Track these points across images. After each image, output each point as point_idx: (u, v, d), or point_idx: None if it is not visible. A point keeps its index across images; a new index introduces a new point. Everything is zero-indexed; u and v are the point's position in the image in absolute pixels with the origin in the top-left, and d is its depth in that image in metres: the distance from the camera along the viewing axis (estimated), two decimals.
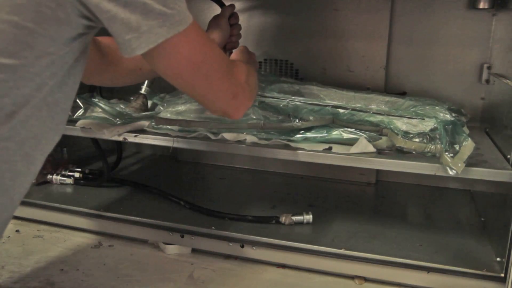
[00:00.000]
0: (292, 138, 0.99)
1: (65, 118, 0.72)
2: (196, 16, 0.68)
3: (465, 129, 1.04)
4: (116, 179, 1.35)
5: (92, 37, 0.71)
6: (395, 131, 0.97)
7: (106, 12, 0.61)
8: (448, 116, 0.99)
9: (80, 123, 1.09)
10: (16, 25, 0.58)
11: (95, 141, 1.25)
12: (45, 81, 0.63)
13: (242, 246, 1.05)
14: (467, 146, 0.89)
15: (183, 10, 0.66)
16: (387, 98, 1.16)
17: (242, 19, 1.44)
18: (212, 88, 0.74)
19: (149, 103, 1.25)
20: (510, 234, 0.87)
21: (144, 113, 1.18)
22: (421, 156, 0.94)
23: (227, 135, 1.02)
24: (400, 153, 0.96)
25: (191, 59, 0.69)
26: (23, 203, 1.21)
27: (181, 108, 1.08)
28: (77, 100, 1.16)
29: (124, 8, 0.61)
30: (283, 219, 1.10)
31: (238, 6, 1.43)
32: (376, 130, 0.98)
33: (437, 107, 1.04)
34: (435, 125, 0.95)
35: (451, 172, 0.87)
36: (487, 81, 1.26)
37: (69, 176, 1.33)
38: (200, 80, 0.71)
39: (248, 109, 1.04)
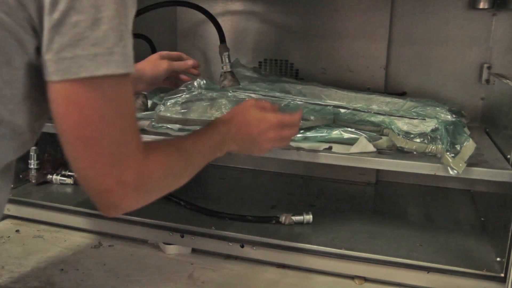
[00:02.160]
0: (292, 138, 0.99)
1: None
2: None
3: (466, 130, 1.04)
4: None
5: None
6: (396, 131, 0.97)
7: (36, 24, 0.54)
8: (449, 117, 1.00)
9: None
10: None
11: None
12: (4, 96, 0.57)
13: (242, 246, 1.05)
14: (468, 146, 0.89)
15: (127, 53, 0.56)
16: (388, 99, 1.16)
17: (243, 20, 1.45)
18: (85, 161, 0.58)
19: (149, 103, 1.25)
20: (510, 234, 0.87)
21: (144, 113, 1.18)
22: (422, 156, 0.94)
23: None
24: (400, 153, 0.96)
25: (83, 111, 0.55)
26: (23, 203, 1.21)
27: (180, 108, 1.08)
28: None
29: (53, 27, 0.53)
30: (283, 219, 1.10)
31: (238, 6, 1.44)
32: (377, 130, 0.98)
33: (438, 108, 1.04)
34: (436, 125, 0.95)
35: (452, 172, 0.87)
36: (487, 81, 1.26)
37: (69, 176, 1.33)
38: (79, 140, 0.57)
39: None
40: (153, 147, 0.65)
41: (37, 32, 0.56)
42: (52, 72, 0.54)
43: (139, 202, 0.64)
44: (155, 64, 1.09)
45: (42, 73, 0.57)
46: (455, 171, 0.86)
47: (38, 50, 0.57)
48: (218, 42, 1.21)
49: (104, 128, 0.57)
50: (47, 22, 0.53)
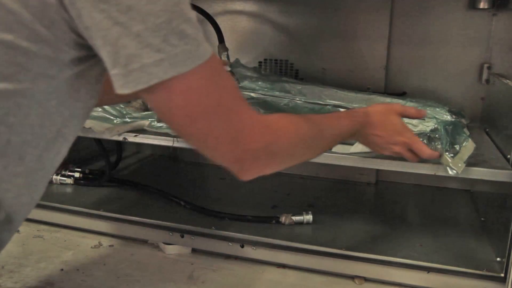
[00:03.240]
0: None
1: (68, 146, 0.65)
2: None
3: (466, 130, 1.04)
4: (116, 179, 1.35)
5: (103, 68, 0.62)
6: None
7: (94, 39, 0.53)
8: (448, 117, 1.00)
9: None
10: (10, 44, 0.52)
11: (98, 140, 1.25)
12: (45, 107, 0.58)
13: (242, 246, 1.05)
14: (468, 146, 0.89)
15: (191, 48, 0.55)
16: (388, 99, 1.16)
17: (243, 19, 1.45)
18: (208, 147, 0.61)
19: None
20: (510, 234, 0.87)
21: (144, 113, 1.18)
22: None
23: None
24: None
25: (186, 111, 0.57)
26: None
27: None
28: None
29: (116, 38, 0.52)
30: (283, 219, 1.10)
31: (238, 6, 1.44)
32: None
33: (437, 109, 1.04)
34: (436, 125, 0.95)
35: (451, 172, 0.87)
36: (487, 81, 1.26)
37: (69, 176, 1.33)
38: (193, 135, 0.60)
39: None
40: (278, 116, 0.68)
41: (80, 44, 0.56)
42: (123, 85, 0.54)
43: (272, 164, 0.67)
44: None
45: (78, 82, 0.59)
46: (454, 171, 0.86)
47: (79, 59, 0.57)
48: (218, 42, 1.20)
49: (213, 111, 0.58)
50: (108, 38, 0.52)
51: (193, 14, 0.56)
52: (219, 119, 0.59)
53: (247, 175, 0.66)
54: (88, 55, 0.58)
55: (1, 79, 0.53)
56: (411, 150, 0.85)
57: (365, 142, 0.86)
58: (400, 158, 0.93)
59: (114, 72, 0.54)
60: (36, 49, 0.54)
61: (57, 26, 0.54)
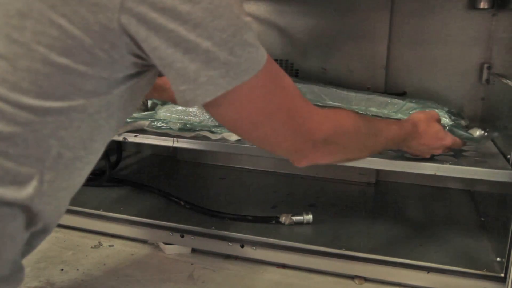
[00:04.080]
0: None
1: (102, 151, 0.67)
2: None
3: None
4: (116, 179, 1.35)
5: (152, 79, 0.65)
6: None
7: (162, 59, 0.54)
8: (447, 120, 1.00)
9: None
10: (66, 68, 0.53)
11: None
12: (95, 119, 0.58)
13: (242, 246, 1.05)
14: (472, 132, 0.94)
15: (252, 56, 0.56)
16: (388, 99, 1.16)
17: None
18: (272, 144, 0.65)
19: (149, 102, 1.25)
20: (510, 234, 0.87)
21: (144, 113, 1.18)
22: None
23: (227, 135, 1.02)
24: (401, 153, 0.96)
25: (250, 119, 0.60)
26: None
27: (180, 107, 1.08)
28: None
29: (184, 55, 0.53)
30: (283, 219, 1.10)
31: None
32: None
33: (437, 110, 1.04)
34: None
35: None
36: (487, 81, 1.26)
37: None
38: (258, 138, 0.64)
39: None
40: (338, 110, 0.72)
41: (136, 64, 0.57)
42: (191, 100, 0.55)
43: (329, 155, 0.69)
44: None
45: (127, 95, 0.60)
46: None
47: (127, 78, 0.58)
48: None
49: (273, 120, 0.61)
50: (177, 55, 0.53)
51: (250, 19, 0.57)
52: (281, 120, 0.62)
53: (303, 163, 0.68)
54: (139, 72, 0.59)
55: (55, 98, 0.54)
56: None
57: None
58: (400, 158, 0.93)
59: (182, 88, 0.55)
60: (91, 72, 0.54)
61: (117, 50, 0.54)
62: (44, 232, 0.63)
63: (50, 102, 0.54)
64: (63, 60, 0.53)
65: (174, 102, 1.09)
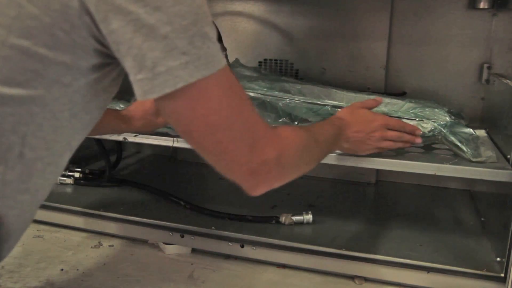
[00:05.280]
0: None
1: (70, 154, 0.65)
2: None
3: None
4: (116, 179, 1.35)
5: (116, 80, 0.62)
6: None
7: (119, 43, 0.52)
8: (447, 118, 1.00)
9: None
10: (25, 51, 0.51)
11: (98, 140, 1.25)
12: (58, 118, 0.56)
13: (242, 246, 1.05)
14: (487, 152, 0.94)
15: (212, 52, 0.54)
16: (387, 100, 1.16)
17: (243, 20, 1.45)
18: (225, 158, 0.60)
19: None
20: (510, 234, 0.87)
21: None
22: (421, 156, 0.95)
23: None
24: (401, 153, 0.96)
25: (207, 120, 0.56)
26: None
27: None
28: None
29: (142, 42, 0.51)
30: (283, 219, 1.10)
31: (238, 6, 1.44)
32: None
33: (436, 110, 1.04)
34: (433, 127, 0.96)
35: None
36: (487, 81, 1.26)
37: (69, 176, 1.33)
38: (212, 145, 0.58)
39: None
40: (282, 127, 0.69)
41: (99, 51, 0.55)
42: (148, 90, 0.53)
43: (281, 177, 0.66)
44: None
45: (96, 85, 0.58)
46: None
47: (95, 67, 0.56)
48: None
49: (230, 125, 0.58)
50: (135, 40, 0.51)
51: (211, 19, 0.56)
52: (238, 129, 0.58)
53: (258, 190, 0.65)
54: (103, 63, 0.57)
55: (14, 85, 0.52)
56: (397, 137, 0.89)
57: (351, 146, 0.88)
58: (400, 158, 0.93)
59: (140, 77, 0.52)
60: (53, 55, 0.53)
61: (77, 32, 0.52)
62: (6, 241, 0.62)
63: (8, 89, 0.52)
64: (22, 42, 0.51)
65: (142, 130, 1.04)
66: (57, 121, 0.57)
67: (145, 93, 0.53)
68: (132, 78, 0.53)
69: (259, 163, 0.61)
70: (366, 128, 0.87)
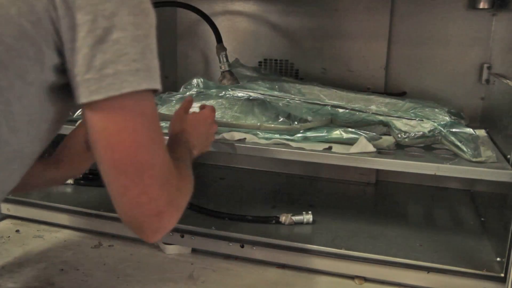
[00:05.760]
0: (292, 138, 0.99)
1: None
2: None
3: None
4: None
5: (67, 108, 0.61)
6: (396, 130, 0.97)
7: (73, 41, 0.53)
8: (447, 118, 1.00)
9: (80, 122, 1.09)
10: None
11: None
12: (15, 121, 0.55)
13: (242, 246, 1.05)
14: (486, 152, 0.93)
15: (157, 68, 0.56)
16: (387, 100, 1.16)
17: (243, 20, 1.45)
18: (138, 186, 0.56)
19: None
20: (510, 234, 0.87)
21: None
22: (421, 156, 0.95)
23: (227, 135, 1.02)
24: (400, 153, 0.96)
25: (134, 136, 0.55)
26: (23, 203, 1.21)
27: (178, 106, 1.08)
28: None
29: (94, 43, 0.52)
30: (283, 219, 1.10)
31: (238, 6, 1.44)
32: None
33: (436, 110, 1.04)
34: (433, 127, 0.96)
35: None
36: (487, 81, 1.26)
37: None
38: (131, 166, 0.55)
39: (247, 109, 1.05)
40: (177, 169, 0.65)
41: (59, 50, 0.55)
42: (94, 91, 0.53)
43: (177, 220, 0.62)
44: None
45: (55, 93, 0.58)
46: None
47: (56, 69, 0.56)
48: (216, 42, 1.21)
49: (154, 149, 0.57)
50: (88, 40, 0.52)
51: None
52: (159, 156, 0.57)
53: (158, 235, 0.60)
54: (63, 64, 0.56)
55: None
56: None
57: (201, 148, 0.89)
58: (400, 158, 0.93)
59: (87, 77, 0.53)
60: (19, 46, 0.53)
61: (43, 24, 0.53)
62: None
63: None
64: None
65: (78, 170, 0.97)
66: (15, 123, 0.56)
67: (91, 93, 0.53)
68: (79, 79, 0.53)
69: (166, 203, 0.58)
70: (204, 129, 0.90)
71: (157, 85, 0.56)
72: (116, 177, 0.56)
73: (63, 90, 0.58)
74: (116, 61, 0.53)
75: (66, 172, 0.92)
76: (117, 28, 0.53)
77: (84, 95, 0.53)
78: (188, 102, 0.96)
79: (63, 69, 0.57)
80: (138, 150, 0.55)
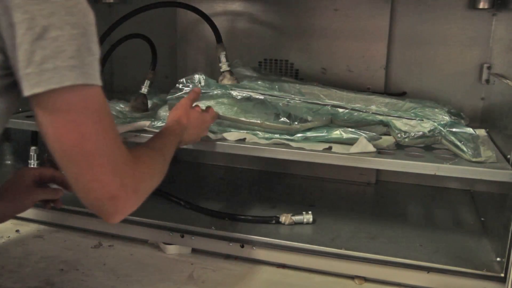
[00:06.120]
0: (292, 138, 0.99)
1: None
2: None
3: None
4: None
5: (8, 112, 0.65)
6: (396, 130, 0.97)
7: (13, 38, 0.56)
8: (447, 118, 1.00)
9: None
10: None
11: None
12: None
13: (242, 246, 1.05)
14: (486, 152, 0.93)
15: (95, 66, 0.60)
16: (387, 100, 1.16)
17: (243, 20, 1.45)
18: (89, 173, 0.61)
19: (149, 103, 1.25)
20: (510, 234, 0.87)
21: (144, 113, 1.18)
22: (421, 156, 0.95)
23: (227, 135, 1.02)
24: (401, 153, 0.96)
25: (81, 128, 0.59)
26: None
27: None
28: None
29: (34, 40, 0.55)
30: (283, 219, 1.10)
31: (238, 6, 1.44)
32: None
33: (436, 110, 1.04)
34: (433, 127, 0.96)
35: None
36: (487, 81, 1.26)
37: None
38: (80, 156, 0.60)
39: (247, 108, 1.05)
40: (137, 151, 0.72)
41: (1, 48, 0.58)
42: (35, 84, 0.56)
43: (137, 203, 0.67)
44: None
45: (4, 88, 0.61)
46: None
47: (1, 65, 0.60)
48: (216, 42, 1.21)
49: (101, 139, 0.61)
50: (27, 37, 0.55)
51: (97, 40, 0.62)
52: (106, 147, 0.61)
53: (116, 217, 0.65)
54: (7, 65, 0.60)
55: None
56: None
57: (183, 144, 0.95)
58: (400, 158, 0.93)
59: (28, 71, 0.56)
60: None
61: None
62: None
63: None
64: None
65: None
66: None
67: (32, 86, 0.56)
68: (21, 73, 0.57)
69: (118, 188, 0.62)
70: (199, 131, 0.97)
71: (95, 81, 0.60)
72: (67, 166, 0.61)
73: (10, 85, 0.62)
74: (55, 57, 0.56)
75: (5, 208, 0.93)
76: (55, 26, 0.56)
77: (26, 89, 0.57)
78: (196, 93, 1.00)
79: (7, 66, 0.60)
80: (85, 141, 0.60)
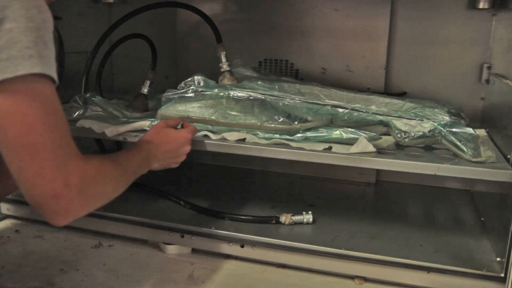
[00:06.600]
0: (292, 138, 0.99)
1: None
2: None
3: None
4: None
5: None
6: (396, 130, 0.97)
7: None
8: (447, 118, 1.00)
9: (80, 123, 1.09)
10: None
11: (98, 140, 1.25)
12: None
13: (242, 246, 1.05)
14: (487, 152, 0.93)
15: (51, 59, 0.60)
16: (387, 100, 1.16)
17: (243, 19, 1.45)
18: (32, 167, 0.60)
19: (149, 103, 1.25)
20: (510, 234, 0.87)
21: (144, 113, 1.18)
22: (421, 156, 0.95)
23: (227, 135, 1.02)
24: (401, 152, 0.96)
25: (28, 118, 0.59)
26: (23, 203, 1.21)
27: (180, 107, 1.08)
28: (77, 100, 1.16)
29: None
30: (283, 219, 1.10)
31: (238, 6, 1.44)
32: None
33: (436, 110, 1.04)
34: (433, 127, 0.96)
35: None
36: (487, 81, 1.26)
37: None
38: (24, 148, 0.59)
39: (247, 109, 1.05)
40: (90, 156, 0.69)
41: None
42: (6, 69, 0.57)
43: (85, 207, 0.66)
44: None
45: None
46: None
47: None
48: (216, 42, 1.21)
49: (47, 132, 0.60)
50: None
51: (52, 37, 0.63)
52: (53, 141, 0.61)
53: (60, 218, 0.64)
54: None
55: None
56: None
57: (162, 165, 0.94)
58: (400, 158, 0.93)
59: None
60: None
61: None
62: None
63: None
64: None
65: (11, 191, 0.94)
66: None
67: None
68: None
69: (62, 186, 0.61)
70: (174, 146, 0.94)
71: (51, 72, 0.60)
72: (11, 157, 0.61)
73: None
74: (9, 47, 0.57)
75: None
76: (9, 19, 0.57)
77: None
78: (175, 121, 1.00)
79: None
80: (30, 132, 0.59)
